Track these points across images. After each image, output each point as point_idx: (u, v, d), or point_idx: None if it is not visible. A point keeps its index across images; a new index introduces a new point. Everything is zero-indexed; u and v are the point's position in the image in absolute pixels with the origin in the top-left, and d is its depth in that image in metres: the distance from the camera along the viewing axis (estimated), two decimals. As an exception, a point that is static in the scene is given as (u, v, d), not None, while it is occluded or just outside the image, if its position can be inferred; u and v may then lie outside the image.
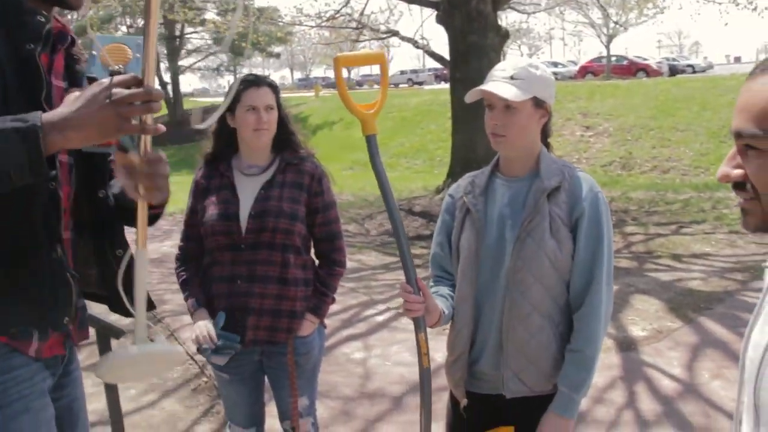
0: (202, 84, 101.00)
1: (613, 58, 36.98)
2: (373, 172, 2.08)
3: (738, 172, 1.06)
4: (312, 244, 2.82)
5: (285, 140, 2.76)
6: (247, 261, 2.63)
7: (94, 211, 1.69)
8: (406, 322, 5.78)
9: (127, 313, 1.59)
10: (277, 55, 40.66)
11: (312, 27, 15.91)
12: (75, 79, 1.62)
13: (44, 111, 1.34)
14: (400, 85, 49.33)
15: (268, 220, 2.61)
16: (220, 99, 41.06)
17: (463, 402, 2.22)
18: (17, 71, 1.41)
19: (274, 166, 2.73)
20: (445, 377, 2.30)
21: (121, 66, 1.44)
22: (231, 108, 2.68)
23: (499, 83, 2.03)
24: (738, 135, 1.05)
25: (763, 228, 1.07)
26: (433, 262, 2.32)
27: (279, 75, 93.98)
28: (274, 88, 2.73)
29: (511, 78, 2.03)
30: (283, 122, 2.76)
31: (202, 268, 2.75)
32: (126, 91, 1.25)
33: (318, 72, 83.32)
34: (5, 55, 1.39)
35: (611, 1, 33.74)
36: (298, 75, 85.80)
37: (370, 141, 2.10)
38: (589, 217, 2.04)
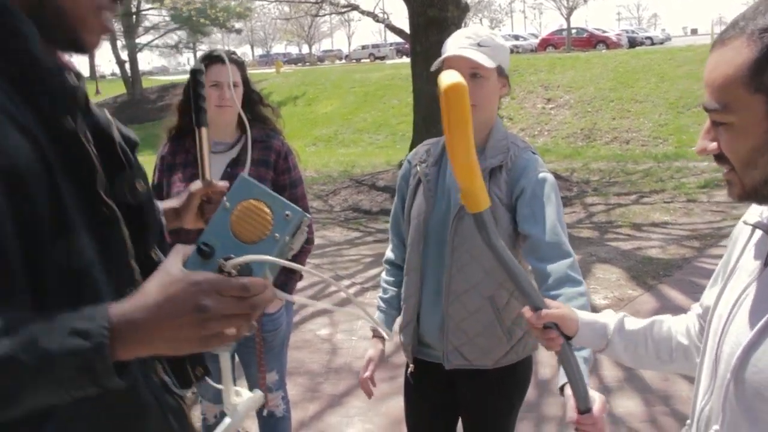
0: (161, 62, 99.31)
1: (574, 31, 37.22)
2: (492, 252, 1.42)
3: (713, 145, 1.08)
4: None
5: (255, 117, 2.73)
6: None
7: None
8: (371, 297, 5.81)
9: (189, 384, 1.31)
10: (238, 31, 40.02)
11: (271, 2, 15.69)
12: (96, 125, 1.21)
13: (105, 206, 1.08)
14: (362, 60, 49.08)
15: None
16: (180, 77, 40.39)
17: (411, 368, 2.29)
18: (61, 157, 1.05)
19: (241, 143, 2.70)
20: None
21: (249, 244, 0.98)
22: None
23: (468, 50, 1.96)
24: (706, 110, 1.06)
25: (746, 197, 1.08)
26: (392, 226, 2.34)
27: (240, 51, 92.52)
28: (240, 65, 2.70)
29: (479, 45, 1.97)
30: (253, 98, 2.73)
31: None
32: (227, 306, 0.92)
33: (279, 48, 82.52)
34: (42, 137, 1.02)
35: (570, -27, 33.92)
36: (259, 51, 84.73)
37: (479, 219, 1.39)
38: (530, 194, 1.96)
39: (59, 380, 0.87)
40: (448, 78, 1.30)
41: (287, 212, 0.99)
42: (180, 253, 0.98)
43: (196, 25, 30.11)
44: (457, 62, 1.95)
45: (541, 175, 1.98)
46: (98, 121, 1.20)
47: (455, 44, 2.00)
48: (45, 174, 0.98)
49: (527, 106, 16.07)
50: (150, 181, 1.88)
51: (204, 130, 1.64)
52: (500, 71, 2.02)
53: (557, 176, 10.44)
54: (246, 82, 2.71)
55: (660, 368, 1.51)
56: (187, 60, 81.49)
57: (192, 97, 1.49)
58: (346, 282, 6.33)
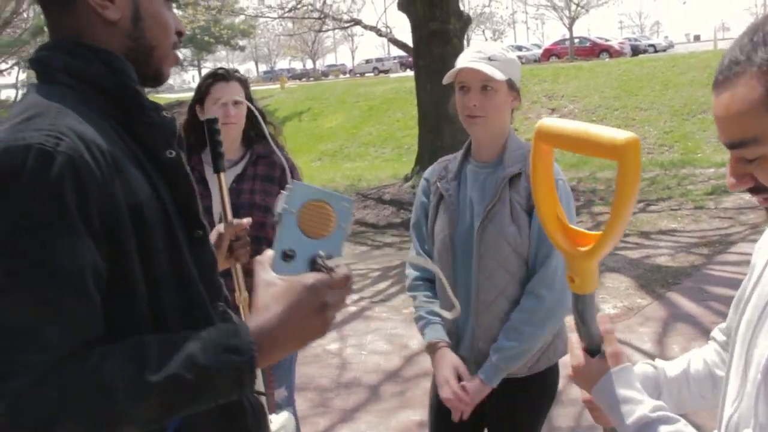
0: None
1: (576, 40, 37.29)
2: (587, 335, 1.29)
3: (746, 180, 1.06)
4: None
5: (258, 134, 2.76)
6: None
7: None
8: (379, 311, 5.80)
9: None
10: (242, 48, 40.27)
11: (275, 18, 15.80)
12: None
13: (200, 229, 1.20)
14: (366, 74, 49.28)
15: (240, 214, 2.61)
16: (185, 94, 40.56)
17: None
18: (166, 185, 1.16)
19: (245, 160, 2.74)
20: (425, 363, 2.32)
21: (321, 239, 1.10)
22: (200, 101, 2.69)
23: (479, 63, 2.04)
24: (731, 148, 1.05)
25: None
26: (419, 244, 2.32)
27: (244, 68, 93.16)
28: (243, 82, 2.73)
29: (489, 59, 2.05)
30: (254, 116, 2.76)
31: None
32: (339, 296, 1.07)
33: (283, 64, 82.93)
34: (151, 170, 1.14)
35: (572, -17, 34.06)
36: (263, 67, 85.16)
37: (584, 301, 1.25)
38: None
39: (215, 392, 1.00)
40: (617, 133, 1.10)
41: (344, 203, 1.12)
42: (265, 263, 1.08)
43: (200, 43, 30.38)
44: (469, 75, 2.06)
45: (558, 182, 2.04)
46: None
47: (467, 58, 2.08)
48: (157, 203, 1.12)
49: (532, 117, 16.06)
50: None
51: (223, 176, 1.67)
52: (511, 84, 2.10)
53: (563, 186, 10.44)
54: (249, 99, 2.73)
55: (705, 407, 1.45)
56: (192, 77, 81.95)
57: (209, 144, 1.53)
58: (355, 297, 6.32)
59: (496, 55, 2.07)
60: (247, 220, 1.81)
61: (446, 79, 2.12)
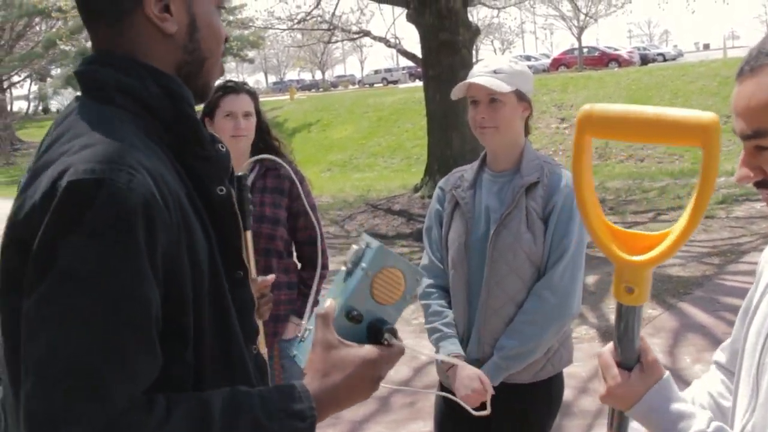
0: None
1: (585, 50, 37.26)
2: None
3: (755, 172, 1.06)
4: (294, 247, 2.82)
5: (265, 146, 2.77)
6: None
7: None
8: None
9: None
10: (251, 60, 40.46)
11: (284, 30, 15.88)
12: None
13: (242, 269, 1.15)
14: (375, 85, 49.40)
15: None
16: (198, 106, 40.43)
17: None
18: (213, 223, 1.09)
19: (255, 172, 2.74)
20: (435, 374, 2.32)
21: (386, 305, 1.11)
22: (210, 114, 2.69)
23: (483, 77, 2.13)
24: (745, 137, 1.05)
25: None
26: (434, 252, 2.35)
27: (253, 79, 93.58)
28: (253, 95, 2.74)
29: (494, 72, 2.13)
30: (261, 128, 2.76)
31: None
32: (391, 368, 1.10)
33: (292, 75, 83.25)
34: (203, 209, 1.08)
35: (580, -7, 34.06)
36: (272, 78, 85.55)
37: (637, 313, 1.13)
38: (560, 208, 2.12)
39: None
40: (701, 114, 0.98)
41: (417, 277, 1.13)
42: (328, 321, 1.08)
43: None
44: (476, 89, 2.15)
45: (570, 189, 2.10)
46: None
47: (474, 72, 2.18)
48: (207, 244, 1.05)
49: (541, 126, 16.06)
50: None
51: (249, 234, 1.67)
52: (519, 95, 2.17)
53: (573, 196, 10.40)
54: (258, 112, 2.74)
55: None
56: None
57: (238, 201, 1.53)
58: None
59: (503, 68, 2.14)
60: (271, 277, 1.79)
61: (454, 94, 2.21)
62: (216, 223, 1.10)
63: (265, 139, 2.80)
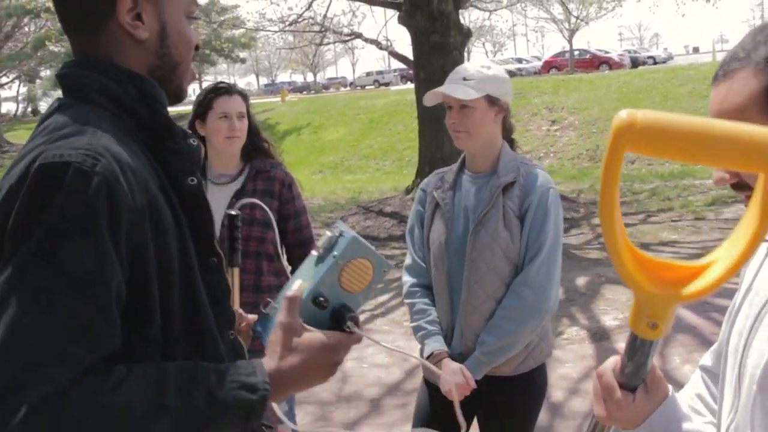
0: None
1: (576, 52, 37.41)
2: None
3: (730, 176, 1.08)
4: (284, 250, 2.81)
5: (254, 148, 2.77)
6: None
7: None
8: (381, 324, 5.80)
9: None
10: (242, 61, 40.43)
11: (275, 32, 15.87)
12: None
13: (215, 256, 1.21)
14: (367, 87, 49.43)
15: (241, 229, 2.60)
16: (185, 108, 40.47)
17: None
18: (185, 211, 1.17)
19: (244, 175, 2.73)
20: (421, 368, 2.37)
21: (352, 293, 1.16)
22: (201, 115, 2.68)
23: (452, 85, 2.23)
24: None
25: None
26: (417, 251, 2.42)
27: (245, 81, 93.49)
28: (245, 97, 2.75)
29: (464, 79, 2.22)
30: (251, 130, 2.76)
31: None
32: (347, 349, 1.15)
33: (284, 77, 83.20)
34: (175, 196, 1.16)
35: (571, -4, 34.13)
36: (264, 80, 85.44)
37: (649, 344, 1.01)
38: (536, 206, 2.20)
39: (225, 424, 1.03)
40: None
41: (385, 269, 1.17)
42: (294, 305, 1.11)
43: (201, 55, 30.47)
44: (446, 98, 2.25)
45: (549, 190, 2.23)
46: None
47: (447, 81, 2.27)
48: (177, 229, 1.12)
49: (532, 129, 16.12)
50: None
51: (236, 270, 1.67)
52: (490, 99, 2.23)
53: (564, 198, 10.44)
54: (248, 114, 2.74)
55: None
56: (193, 90, 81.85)
57: (228, 239, 1.51)
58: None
59: (472, 74, 2.23)
60: (252, 317, 1.78)
61: (427, 100, 2.31)
62: (188, 211, 1.17)
63: (254, 141, 2.79)
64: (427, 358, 2.25)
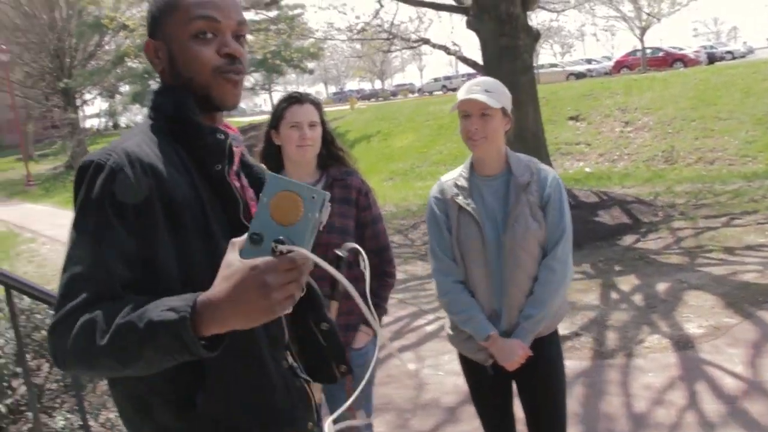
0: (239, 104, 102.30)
1: (648, 51, 36.40)
2: None
3: None
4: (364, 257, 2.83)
5: (330, 156, 2.82)
6: None
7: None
8: (433, 344, 5.75)
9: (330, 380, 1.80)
10: (311, 71, 40.97)
11: (344, 41, 16.02)
12: (251, 173, 1.66)
13: (244, 228, 1.35)
14: (435, 93, 49.33)
15: (320, 236, 2.63)
16: (257, 117, 41.51)
17: (489, 361, 2.67)
18: (213, 193, 1.49)
19: (321, 183, 2.78)
20: (458, 346, 2.79)
21: (289, 226, 1.22)
22: (275, 125, 2.75)
23: (479, 94, 2.55)
24: None
25: None
26: (447, 252, 2.70)
27: (314, 90, 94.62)
28: (317, 105, 2.79)
29: (486, 91, 2.56)
30: (326, 138, 2.79)
31: None
32: (280, 278, 1.18)
33: (352, 84, 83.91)
34: (199, 180, 1.48)
35: (643, -8, 33.23)
36: (332, 89, 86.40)
37: None
38: (554, 198, 2.64)
39: (159, 342, 1.22)
40: None
41: (313, 195, 1.24)
42: (235, 245, 1.25)
43: (271, 66, 31.02)
44: (469, 104, 2.57)
45: (558, 181, 2.67)
46: (254, 172, 1.67)
47: (468, 91, 2.59)
48: (196, 203, 1.45)
49: (605, 131, 15.75)
50: None
51: (335, 304, 1.77)
52: (504, 111, 2.61)
53: (640, 201, 10.15)
54: (322, 122, 2.78)
55: None
56: (264, 101, 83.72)
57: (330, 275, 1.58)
58: (431, 316, 6.29)
59: (491, 87, 2.59)
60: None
61: (451, 109, 2.63)
62: (217, 192, 1.50)
63: (330, 149, 2.83)
64: (485, 339, 2.61)
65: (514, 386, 2.84)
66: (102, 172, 1.37)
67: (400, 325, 6.02)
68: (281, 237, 1.20)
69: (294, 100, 2.73)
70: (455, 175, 2.73)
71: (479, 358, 2.71)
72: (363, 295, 1.33)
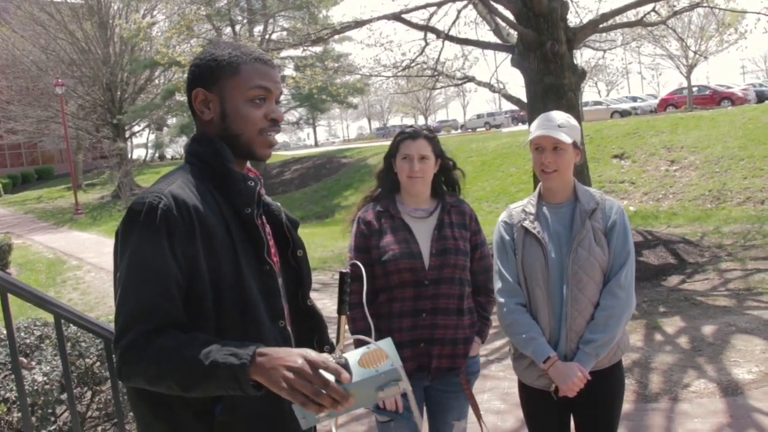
0: (282, 138, 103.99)
1: (695, 89, 35.98)
2: None
3: None
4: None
5: (448, 183, 3.08)
6: (431, 295, 2.89)
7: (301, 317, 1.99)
8: (496, 370, 5.70)
9: None
10: (355, 106, 41.45)
11: (389, 77, 16.19)
12: (269, 210, 1.90)
13: (267, 264, 1.76)
14: (478, 129, 49.42)
15: (449, 257, 2.91)
16: (301, 151, 41.98)
17: (553, 387, 2.70)
18: (241, 230, 1.74)
19: (439, 209, 3.01)
20: (520, 373, 2.85)
21: (371, 368, 1.51)
22: (392, 156, 3.02)
23: (552, 130, 2.70)
24: None
25: None
26: (513, 275, 2.80)
27: (357, 125, 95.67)
28: (430, 140, 3.00)
29: (559, 126, 2.71)
30: (446, 166, 3.05)
31: (373, 306, 2.94)
32: (306, 370, 1.44)
33: (395, 120, 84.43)
34: (231, 219, 1.73)
35: (689, 31, 32.95)
36: (375, 124, 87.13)
37: None
38: (618, 225, 2.72)
39: (219, 379, 1.48)
40: None
41: (398, 365, 1.50)
42: (330, 368, 1.47)
43: (316, 101, 31.47)
44: (543, 139, 2.73)
45: (622, 210, 2.77)
46: (271, 209, 1.90)
47: (541, 126, 2.74)
48: (228, 240, 1.70)
49: (649, 169, 15.57)
50: (350, 244, 2.99)
51: (343, 318, 1.81)
52: (575, 145, 2.75)
53: (687, 241, 9.97)
54: (440, 153, 3.01)
55: None
56: (307, 135, 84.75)
57: (339, 292, 1.75)
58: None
59: (563, 123, 2.73)
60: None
61: (524, 143, 2.73)
62: (246, 232, 1.75)
63: (449, 176, 3.09)
64: (544, 361, 2.66)
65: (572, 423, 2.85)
66: (155, 213, 1.59)
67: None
68: (342, 354, 1.51)
69: (407, 135, 2.99)
70: (524, 203, 2.88)
71: (541, 384, 2.75)
72: (360, 305, 1.80)
